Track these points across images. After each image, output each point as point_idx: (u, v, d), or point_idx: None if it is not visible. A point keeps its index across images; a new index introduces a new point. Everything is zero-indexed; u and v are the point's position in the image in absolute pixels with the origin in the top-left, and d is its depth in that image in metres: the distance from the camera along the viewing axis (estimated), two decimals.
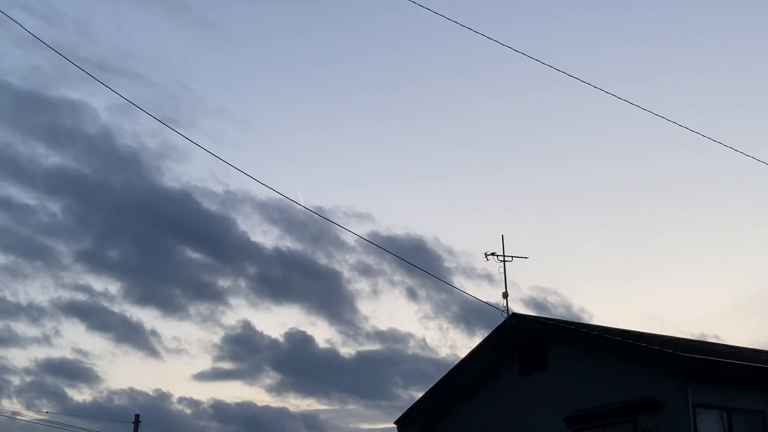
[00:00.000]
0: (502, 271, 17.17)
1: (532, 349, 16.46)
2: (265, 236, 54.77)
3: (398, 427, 18.74)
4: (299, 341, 44.84)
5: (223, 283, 48.20)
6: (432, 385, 18.08)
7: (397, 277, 45.42)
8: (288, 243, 49.99)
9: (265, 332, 46.58)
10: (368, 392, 45.53)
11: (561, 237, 48.30)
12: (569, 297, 44.03)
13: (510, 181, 49.86)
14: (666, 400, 13.35)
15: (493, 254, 17.32)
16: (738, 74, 45.26)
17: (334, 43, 52.56)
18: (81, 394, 52.16)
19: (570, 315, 38.17)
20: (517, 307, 34.69)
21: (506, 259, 17.23)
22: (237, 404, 46.30)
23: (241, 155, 53.15)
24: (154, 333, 45.50)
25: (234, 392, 60.02)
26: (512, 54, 13.64)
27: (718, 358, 14.06)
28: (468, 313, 40.99)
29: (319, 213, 40.88)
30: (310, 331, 52.03)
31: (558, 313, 39.28)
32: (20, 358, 54.51)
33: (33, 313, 44.33)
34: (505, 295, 16.85)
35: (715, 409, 13.36)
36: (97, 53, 48.61)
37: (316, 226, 45.83)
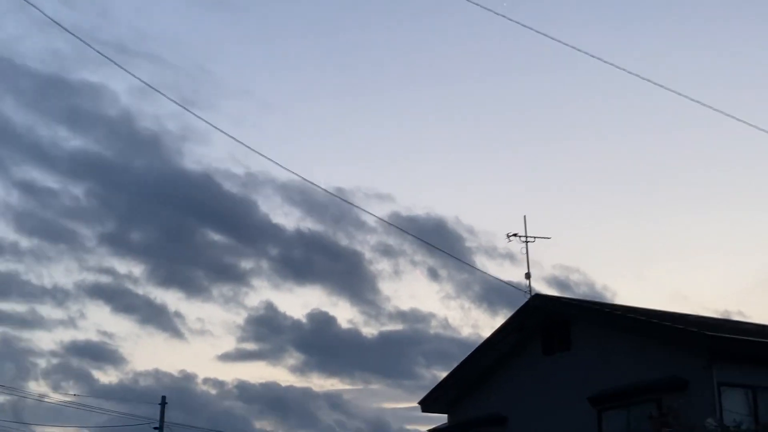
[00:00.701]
0: (525, 251, 17.23)
1: (555, 329, 16.48)
2: (286, 218, 55.12)
3: (422, 408, 18.86)
4: (322, 322, 45.19)
5: (246, 264, 48.62)
6: (455, 366, 18.18)
7: (419, 258, 45.57)
8: (309, 224, 50.30)
9: (288, 313, 47.02)
10: (391, 372, 45.92)
11: (584, 215, 48.21)
12: (592, 276, 43.99)
13: (532, 159, 49.70)
14: (690, 378, 13.33)
15: (515, 235, 17.36)
16: (760, 51, 44.69)
17: (358, 23, 52.41)
18: (107, 376, 52.97)
19: (593, 294, 38.13)
20: (540, 287, 34.69)
21: (528, 239, 17.29)
22: (261, 384, 46.89)
23: (262, 137, 53.38)
24: (178, 314, 46.03)
25: (258, 373, 60.63)
26: (532, 32, 13.55)
27: (744, 336, 14.01)
28: (490, 292, 41.08)
29: (340, 195, 41.05)
30: (332, 311, 52.38)
31: (581, 292, 39.24)
32: (46, 340, 55.43)
33: (58, 295, 44.97)
34: (528, 276, 16.93)
35: (741, 387, 13.32)
36: (116, 36, 48.85)
37: (336, 207, 46.03)
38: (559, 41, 13.58)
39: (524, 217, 17.61)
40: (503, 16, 13.32)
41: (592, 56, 13.76)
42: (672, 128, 46.25)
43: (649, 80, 14.22)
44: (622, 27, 46.76)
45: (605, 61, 13.84)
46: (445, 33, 49.74)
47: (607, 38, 45.04)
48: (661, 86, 14.22)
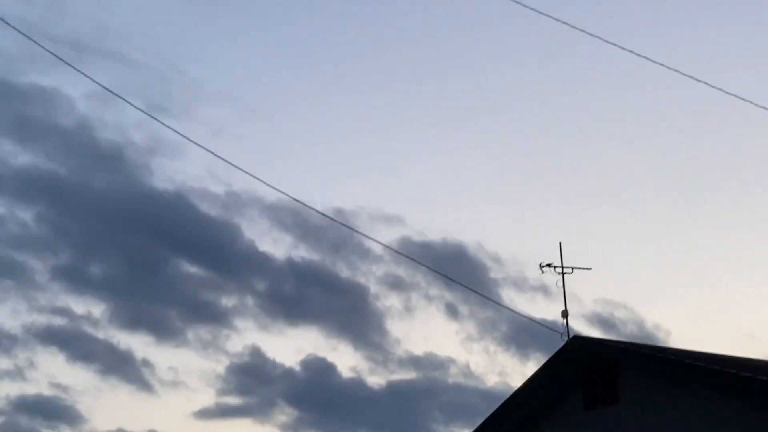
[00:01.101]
0: (561, 284, 17.17)
1: (598, 378, 16.38)
2: (276, 245, 54.95)
3: None
4: (319, 370, 44.99)
5: (227, 301, 48.41)
6: (479, 424, 18.08)
7: (434, 292, 45.45)
8: (303, 252, 50.21)
9: (278, 360, 46.73)
10: (401, 430, 45.61)
11: (630, 240, 48.13)
12: (641, 311, 43.84)
13: (568, 176, 49.77)
14: None
15: (549, 265, 17.31)
16: None
17: (356, 17, 52.76)
18: None
19: (642, 334, 37.99)
20: (579, 325, 34.65)
21: (565, 270, 17.21)
22: None
23: (246, 149, 53.41)
24: (146, 363, 45.84)
25: None
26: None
27: None
28: (520, 333, 40.91)
29: (339, 217, 40.97)
30: (331, 357, 51.99)
31: (628, 332, 39.10)
32: None
33: (3, 341, 44.84)
34: (565, 314, 16.83)
35: None
36: (72, 31, 49.20)
37: (336, 232, 45.95)
38: (617, 45, 13.60)
39: (560, 243, 17.57)
40: (548, 16, 13.35)
41: (640, 56, 13.78)
42: (731, 134, 46.33)
43: (706, 83, 14.23)
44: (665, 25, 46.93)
45: (648, 59, 13.85)
46: (469, 24, 50.06)
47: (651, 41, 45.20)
48: (718, 88, 14.23)
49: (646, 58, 14.24)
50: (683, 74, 13.95)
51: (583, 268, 17.51)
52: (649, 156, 48.99)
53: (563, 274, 17.29)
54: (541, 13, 13.65)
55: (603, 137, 49.72)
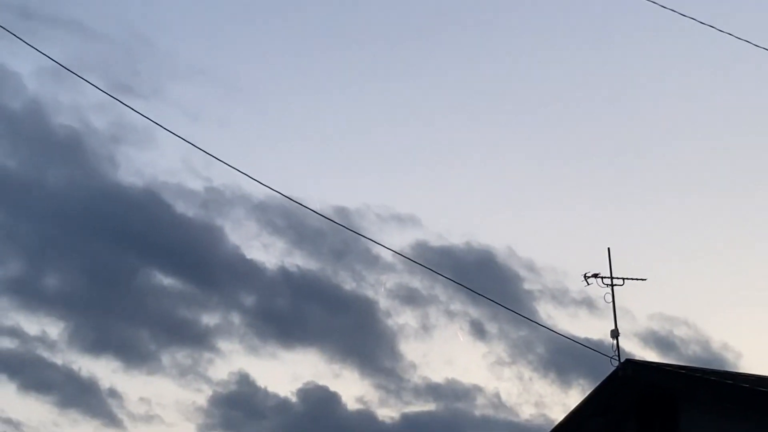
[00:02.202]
0: (609, 299, 17.27)
1: (656, 411, 16.53)
2: (266, 251, 55.20)
3: None
4: (319, 401, 45.28)
5: (209, 319, 48.68)
6: None
7: (457, 306, 45.71)
8: (298, 260, 50.37)
9: (271, 389, 47.01)
10: None
11: (691, 247, 48.25)
12: (705, 329, 44.01)
13: (614, 172, 49.87)
14: None
15: (595, 276, 17.41)
16: None
17: None
18: None
19: (708, 355, 38.11)
20: (632, 346, 34.68)
21: (615, 282, 17.31)
22: None
23: (228, 137, 53.74)
24: (113, 393, 46.12)
25: None
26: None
27: None
28: (560, 355, 41.13)
29: (342, 218, 41.06)
30: (333, 386, 52.22)
31: (690, 353, 39.23)
32: None
33: None
34: (615, 334, 16.94)
35: None
36: None
37: (337, 236, 46.22)
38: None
39: (608, 250, 17.68)
40: None
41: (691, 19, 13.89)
42: None
43: None
44: None
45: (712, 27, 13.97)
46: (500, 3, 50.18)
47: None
48: None
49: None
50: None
51: (637, 279, 17.62)
52: (715, 152, 49.18)
53: (612, 286, 17.37)
54: None
55: (658, 129, 49.93)
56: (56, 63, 14.96)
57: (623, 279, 17.47)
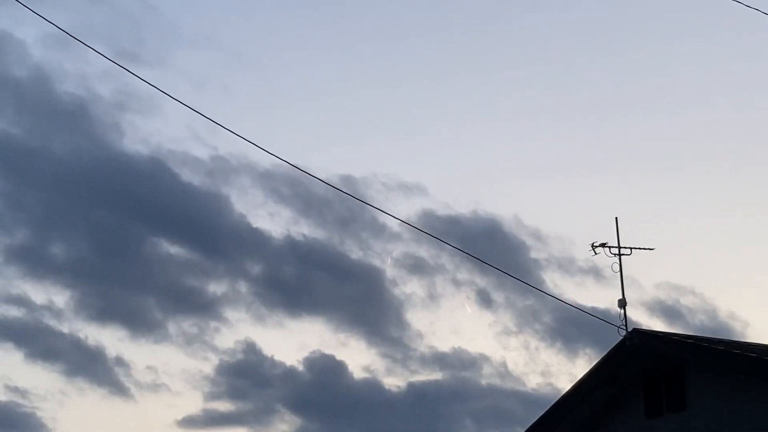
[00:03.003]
0: (617, 269, 17.28)
1: (663, 380, 16.60)
2: (272, 220, 55.31)
3: None
4: (326, 370, 45.37)
5: (216, 288, 48.74)
6: None
7: (463, 275, 45.69)
8: (305, 229, 50.36)
9: (277, 358, 47.07)
10: None
11: (698, 215, 48.23)
12: (712, 298, 43.99)
13: (623, 137, 49.78)
14: None
15: (603, 245, 17.40)
16: None
17: None
18: None
19: (714, 326, 38.15)
20: (639, 315, 34.81)
21: (623, 252, 17.30)
22: None
23: (234, 104, 53.66)
24: (119, 362, 46.24)
25: None
26: None
27: None
28: (567, 325, 41.15)
29: (348, 186, 41.04)
30: (340, 355, 52.42)
31: (697, 322, 39.29)
32: None
33: None
34: (623, 304, 16.95)
35: None
36: None
37: (344, 205, 46.22)
38: None
39: (616, 219, 17.66)
40: None
41: None
42: None
43: None
44: None
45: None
46: None
47: None
48: None
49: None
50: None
51: (645, 249, 17.61)
52: (725, 120, 49.04)
53: (620, 255, 17.37)
54: None
55: (668, 96, 49.75)
56: (61, 30, 14.88)
57: (631, 249, 17.46)
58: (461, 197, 60.88)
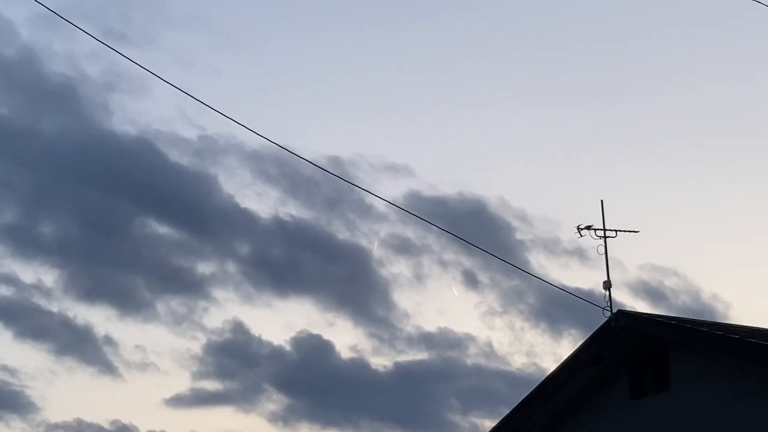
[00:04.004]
0: (602, 251, 17.31)
1: (647, 361, 16.68)
2: (260, 201, 55.09)
3: None
4: (313, 350, 45.46)
5: (204, 268, 48.70)
6: (506, 414, 18.38)
7: (449, 256, 45.78)
8: (292, 210, 50.36)
9: (265, 337, 47.13)
10: (411, 420, 46.04)
11: (681, 198, 48.33)
12: (695, 280, 44.23)
13: (606, 120, 49.83)
14: None
15: (589, 228, 17.42)
16: None
17: None
18: (9, 429, 53.36)
19: (697, 306, 38.34)
20: (623, 296, 34.92)
21: (608, 234, 17.32)
22: None
23: (222, 85, 53.55)
24: (108, 341, 46.23)
25: (223, 422, 60.80)
26: None
27: None
28: (552, 305, 41.30)
29: (335, 167, 41.05)
30: (327, 334, 52.37)
31: (680, 303, 39.47)
32: None
33: None
34: (608, 286, 16.99)
35: None
36: None
37: (331, 186, 46.19)
38: None
39: (601, 202, 17.66)
40: None
41: None
42: None
43: None
44: None
45: None
46: None
47: None
48: None
49: None
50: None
51: (630, 231, 17.64)
52: (708, 103, 49.12)
53: (605, 238, 17.39)
54: None
55: (652, 78, 49.81)
56: (49, 10, 14.83)
57: (616, 231, 17.46)
58: (448, 179, 60.93)
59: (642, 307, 38.13)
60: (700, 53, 49.47)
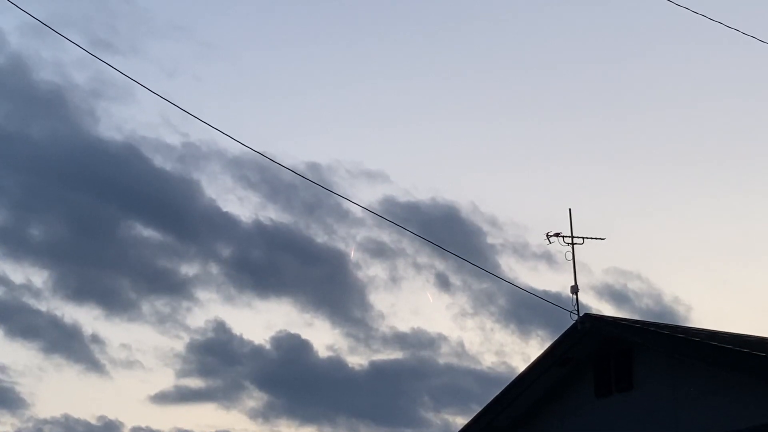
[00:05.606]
0: (570, 257, 17.48)
1: (612, 362, 16.84)
2: (242, 205, 55.19)
3: None
4: (292, 348, 45.44)
5: (187, 269, 48.65)
6: (479, 411, 18.53)
7: (423, 260, 45.81)
8: (272, 214, 50.53)
9: (246, 337, 47.07)
10: (386, 416, 46.15)
11: (644, 203, 48.59)
12: (657, 283, 44.49)
13: (576, 130, 50.04)
14: None
15: (557, 235, 17.58)
16: None
17: None
18: (0, 424, 53.13)
19: (660, 308, 38.60)
20: (589, 299, 35.19)
21: (576, 241, 17.49)
22: None
23: (205, 93, 53.50)
24: (95, 339, 46.11)
25: (206, 418, 60.70)
26: None
27: None
28: (521, 307, 41.43)
29: (314, 173, 41.28)
30: (305, 334, 52.40)
31: (643, 306, 39.72)
32: None
33: None
34: (575, 290, 17.17)
35: None
36: None
37: (309, 191, 46.22)
38: None
39: (569, 211, 17.81)
40: None
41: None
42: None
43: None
44: None
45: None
46: None
47: None
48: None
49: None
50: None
51: (596, 238, 17.81)
52: (670, 113, 49.36)
53: (573, 244, 17.57)
54: None
55: (617, 90, 50.06)
56: (37, 20, 14.86)
57: (583, 238, 17.63)
58: (421, 185, 60.88)
59: (607, 309, 38.53)
60: (663, 66, 49.77)
